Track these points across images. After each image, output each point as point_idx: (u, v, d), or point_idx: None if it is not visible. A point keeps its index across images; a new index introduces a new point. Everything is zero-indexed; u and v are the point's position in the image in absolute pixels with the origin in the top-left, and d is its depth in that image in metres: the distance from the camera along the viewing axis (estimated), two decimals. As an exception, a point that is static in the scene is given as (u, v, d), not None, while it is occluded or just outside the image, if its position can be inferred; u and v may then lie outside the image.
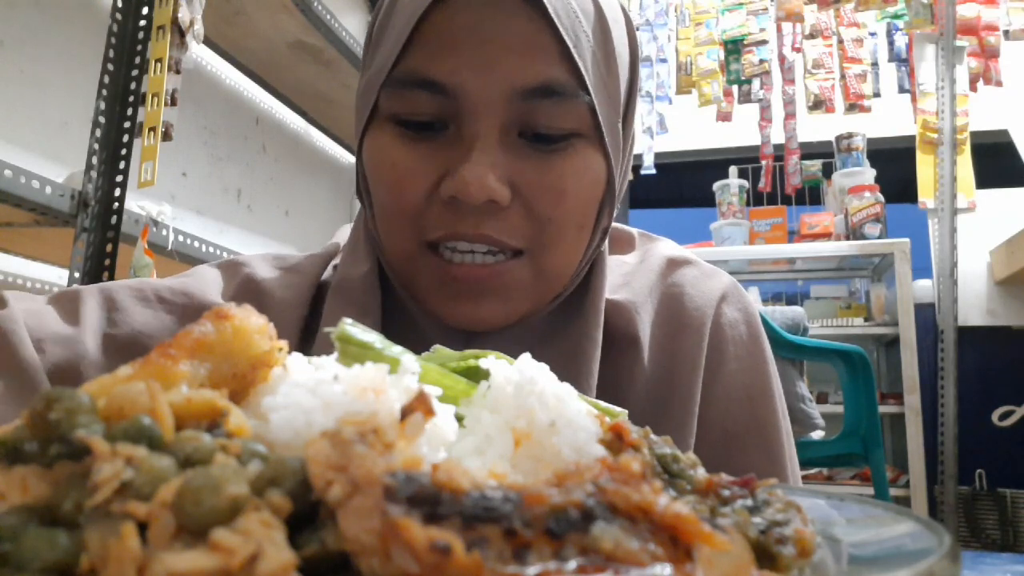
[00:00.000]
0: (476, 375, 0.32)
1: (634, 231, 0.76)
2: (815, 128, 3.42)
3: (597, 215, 0.59)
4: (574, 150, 0.55)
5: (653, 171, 3.39)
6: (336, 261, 0.68)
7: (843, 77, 3.24)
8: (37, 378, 0.53)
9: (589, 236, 0.59)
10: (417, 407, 0.23)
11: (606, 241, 0.65)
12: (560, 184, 0.54)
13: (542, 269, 0.57)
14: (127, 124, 1.45)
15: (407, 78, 0.54)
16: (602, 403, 0.34)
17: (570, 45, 0.53)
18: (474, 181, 0.51)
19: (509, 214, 0.54)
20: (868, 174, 3.14)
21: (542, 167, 0.54)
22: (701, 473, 0.27)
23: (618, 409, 0.35)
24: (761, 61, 3.31)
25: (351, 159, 3.01)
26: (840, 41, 3.28)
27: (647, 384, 0.62)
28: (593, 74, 0.55)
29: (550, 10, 0.52)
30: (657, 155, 3.46)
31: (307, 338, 0.62)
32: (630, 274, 0.68)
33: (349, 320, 0.31)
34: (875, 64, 3.30)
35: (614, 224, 0.72)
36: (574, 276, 0.61)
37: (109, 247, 1.42)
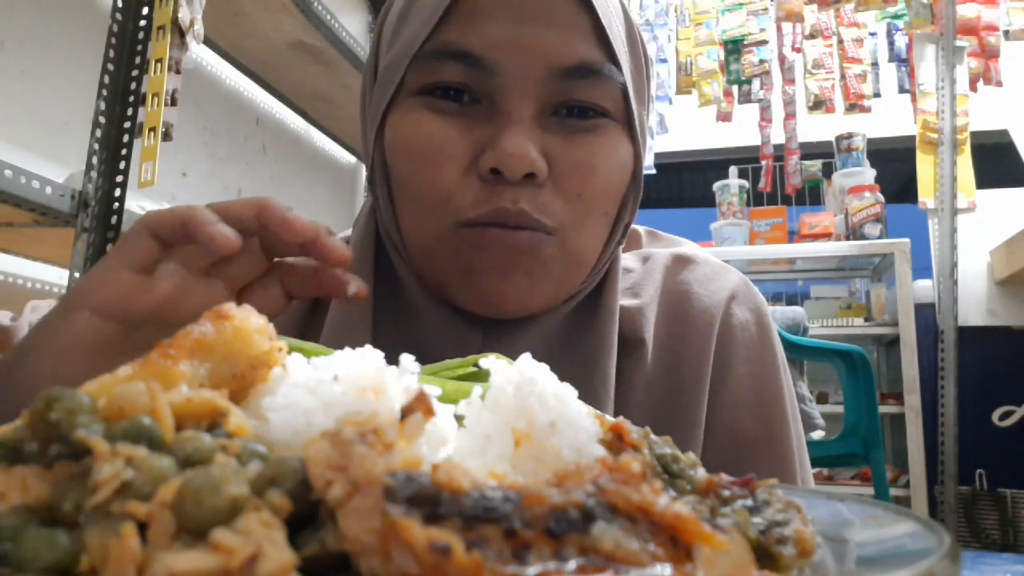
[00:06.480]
0: (477, 380, 0.31)
1: (641, 229, 0.74)
2: (815, 128, 3.42)
3: (620, 207, 0.59)
4: (605, 130, 0.56)
5: (653, 171, 3.38)
6: None
7: (843, 77, 3.24)
8: None
9: (611, 227, 0.59)
10: (417, 407, 0.23)
11: (622, 245, 0.64)
12: (591, 161, 0.55)
13: (568, 251, 0.55)
14: (127, 124, 1.45)
15: (441, 50, 0.53)
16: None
17: (606, 26, 0.54)
18: (517, 152, 0.51)
19: (543, 192, 0.53)
20: (868, 174, 3.14)
21: (574, 143, 0.54)
22: (701, 473, 0.27)
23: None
24: (761, 61, 3.31)
25: (351, 159, 3.01)
26: (840, 41, 3.27)
27: (650, 387, 0.61)
28: (624, 59, 0.56)
29: None
30: (657, 155, 3.46)
31: (314, 310, 0.65)
32: (636, 279, 0.67)
33: None
34: (875, 64, 3.30)
35: None
36: (593, 271, 0.60)
37: (109, 247, 1.41)
